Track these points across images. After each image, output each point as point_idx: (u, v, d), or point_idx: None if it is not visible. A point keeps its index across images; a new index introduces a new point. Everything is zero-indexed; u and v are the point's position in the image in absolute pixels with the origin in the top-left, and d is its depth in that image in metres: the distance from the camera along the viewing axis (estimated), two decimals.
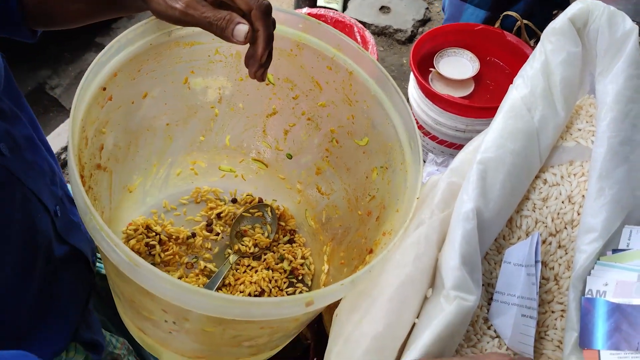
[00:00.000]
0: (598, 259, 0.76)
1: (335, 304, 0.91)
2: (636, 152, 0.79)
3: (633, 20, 0.82)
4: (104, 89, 0.74)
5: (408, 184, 0.78)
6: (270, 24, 0.67)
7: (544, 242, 0.81)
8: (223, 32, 0.65)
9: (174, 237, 0.96)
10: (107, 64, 0.73)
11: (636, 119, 0.80)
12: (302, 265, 0.98)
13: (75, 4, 0.75)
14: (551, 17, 1.69)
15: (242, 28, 0.64)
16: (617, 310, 0.70)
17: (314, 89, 0.89)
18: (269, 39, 0.67)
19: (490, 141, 0.80)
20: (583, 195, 0.82)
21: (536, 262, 0.75)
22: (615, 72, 0.81)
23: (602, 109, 0.80)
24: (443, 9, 1.81)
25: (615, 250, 0.77)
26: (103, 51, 0.71)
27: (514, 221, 0.82)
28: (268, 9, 0.66)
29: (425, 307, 0.71)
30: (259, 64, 0.68)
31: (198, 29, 0.81)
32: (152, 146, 0.91)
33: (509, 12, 1.57)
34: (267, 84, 0.91)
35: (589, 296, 0.74)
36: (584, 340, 0.70)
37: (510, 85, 0.85)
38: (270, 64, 0.87)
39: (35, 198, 0.78)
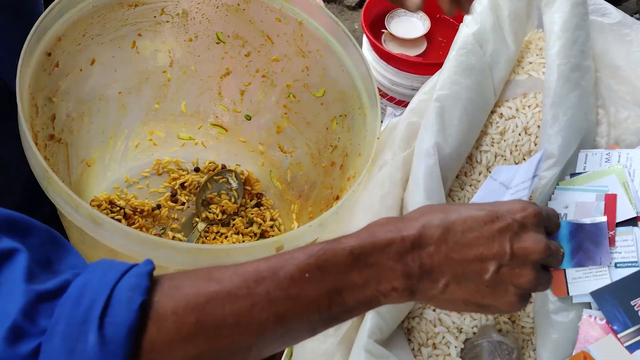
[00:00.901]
0: (557, 184, 0.78)
1: None
2: (586, 77, 0.81)
3: None
4: (49, 54, 0.72)
5: (368, 127, 0.78)
6: None
7: None
8: None
9: (138, 210, 0.94)
10: (50, 28, 0.71)
11: (584, 45, 0.82)
12: (271, 227, 0.98)
13: None
14: None
15: None
16: (579, 230, 0.72)
17: (265, 43, 0.89)
18: None
19: (445, 78, 0.81)
20: (538, 126, 0.83)
21: (534, 176, 0.72)
22: (561, 1, 0.83)
23: (551, 38, 0.82)
24: None
25: (573, 174, 0.79)
26: (44, 13, 0.69)
27: (474, 157, 0.83)
28: None
29: None
30: None
31: None
32: (106, 117, 0.89)
33: None
34: (217, 43, 0.90)
35: None
36: None
37: (461, 23, 0.86)
38: (218, 21, 0.86)
39: None
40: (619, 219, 0.73)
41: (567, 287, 0.71)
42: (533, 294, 0.66)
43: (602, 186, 0.77)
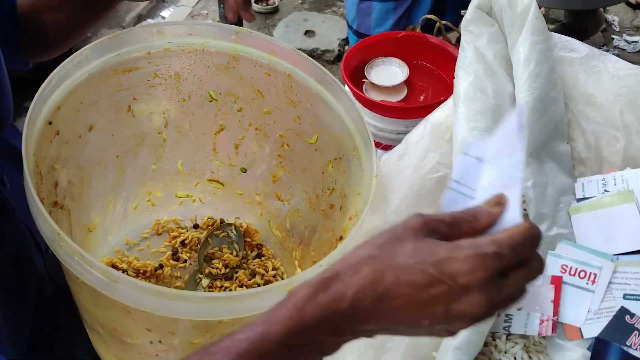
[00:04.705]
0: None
1: None
2: (553, 107, 0.85)
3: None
4: (50, 123, 0.74)
5: (364, 167, 0.81)
6: None
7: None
8: None
9: (141, 271, 0.95)
10: (49, 98, 0.73)
11: (547, 78, 0.86)
12: (274, 276, 0.99)
13: (60, 11, 0.79)
14: (461, 17, 1.80)
15: None
16: None
17: (256, 97, 0.92)
18: None
19: (463, 128, 0.83)
20: None
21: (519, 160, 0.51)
22: (521, 41, 0.87)
23: (517, 76, 0.86)
24: (350, 27, 1.88)
25: (579, 200, 0.80)
26: (44, 84, 0.71)
27: None
28: None
29: None
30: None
31: (134, 55, 0.83)
32: (105, 181, 0.91)
33: (427, 16, 1.65)
34: (210, 101, 0.93)
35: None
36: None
37: (454, 80, 0.90)
38: (210, 80, 0.89)
39: (28, 233, 0.79)
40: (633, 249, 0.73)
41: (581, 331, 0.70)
42: None
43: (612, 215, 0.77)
